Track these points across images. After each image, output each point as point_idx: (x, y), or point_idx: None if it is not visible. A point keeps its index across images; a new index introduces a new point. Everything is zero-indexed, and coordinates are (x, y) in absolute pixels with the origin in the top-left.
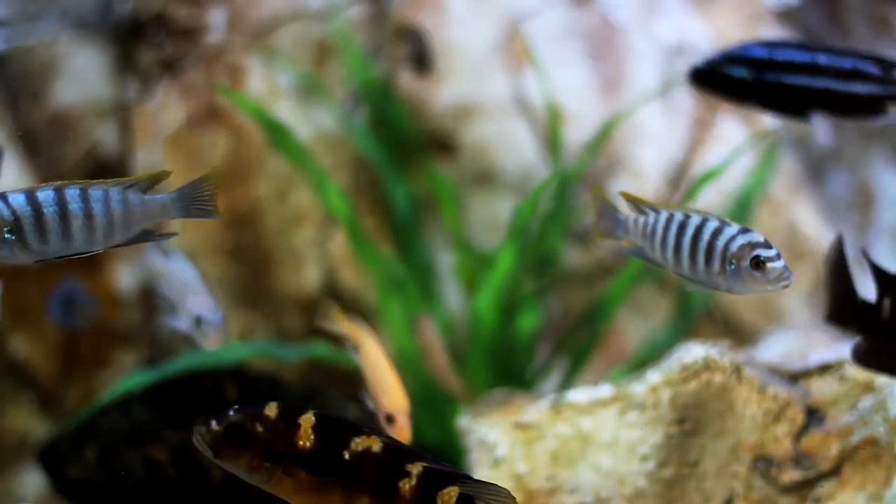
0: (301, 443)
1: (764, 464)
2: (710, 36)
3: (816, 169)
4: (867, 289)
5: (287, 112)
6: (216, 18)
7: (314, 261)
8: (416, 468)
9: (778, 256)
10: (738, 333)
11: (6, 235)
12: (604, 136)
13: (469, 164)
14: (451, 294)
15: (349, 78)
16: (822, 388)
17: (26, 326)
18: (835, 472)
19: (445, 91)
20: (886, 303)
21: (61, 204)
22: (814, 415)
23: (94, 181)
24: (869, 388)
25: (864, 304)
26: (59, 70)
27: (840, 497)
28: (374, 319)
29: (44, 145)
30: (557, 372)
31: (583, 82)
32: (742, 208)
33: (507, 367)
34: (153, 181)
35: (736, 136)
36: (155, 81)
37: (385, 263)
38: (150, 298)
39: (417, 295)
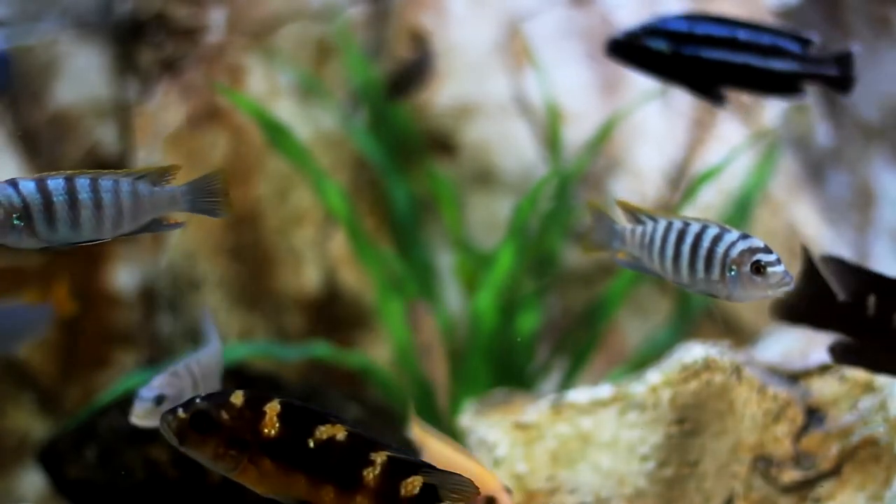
0: (266, 431)
1: (764, 464)
2: None
3: (816, 169)
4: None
5: (287, 112)
6: (216, 18)
7: (314, 261)
8: (380, 457)
9: (778, 261)
10: (738, 333)
11: (15, 222)
12: (603, 136)
13: (469, 164)
14: (451, 294)
15: (349, 78)
16: (822, 388)
17: None
18: (835, 472)
19: (445, 91)
20: (871, 301)
21: (71, 193)
22: (814, 415)
23: (105, 171)
24: (869, 388)
25: (845, 303)
26: (59, 70)
27: (840, 497)
28: (374, 319)
29: (44, 145)
30: (557, 372)
31: (583, 82)
32: (742, 208)
33: (507, 367)
34: (163, 173)
35: (735, 136)
36: (155, 81)
37: (385, 263)
38: (150, 298)
39: (417, 295)
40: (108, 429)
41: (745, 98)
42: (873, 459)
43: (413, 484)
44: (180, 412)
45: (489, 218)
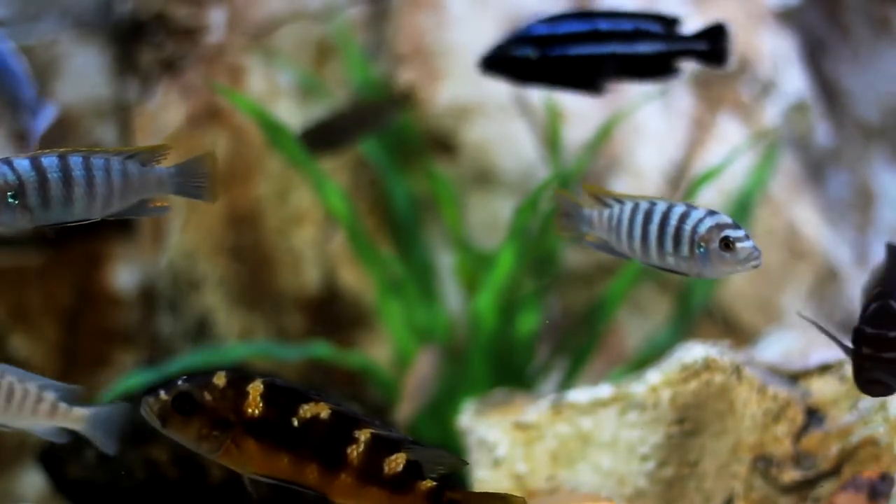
0: (250, 411)
1: (764, 464)
2: None
3: (816, 169)
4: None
5: (287, 112)
6: (216, 18)
7: (314, 261)
8: (363, 435)
9: (747, 237)
10: (738, 333)
11: (9, 200)
12: (604, 136)
13: (469, 164)
14: (451, 294)
15: (349, 78)
16: (822, 388)
17: (26, 326)
18: (835, 472)
19: (445, 91)
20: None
21: (65, 170)
22: (814, 415)
23: (97, 149)
24: None
25: None
26: (59, 70)
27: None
28: (374, 319)
29: (44, 145)
30: (557, 372)
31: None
32: (742, 208)
33: (507, 367)
34: (154, 154)
35: (736, 136)
36: (155, 81)
37: (385, 263)
38: (150, 298)
39: (417, 295)
40: None
41: (744, 97)
42: (873, 459)
43: (397, 461)
44: (162, 394)
45: (489, 218)
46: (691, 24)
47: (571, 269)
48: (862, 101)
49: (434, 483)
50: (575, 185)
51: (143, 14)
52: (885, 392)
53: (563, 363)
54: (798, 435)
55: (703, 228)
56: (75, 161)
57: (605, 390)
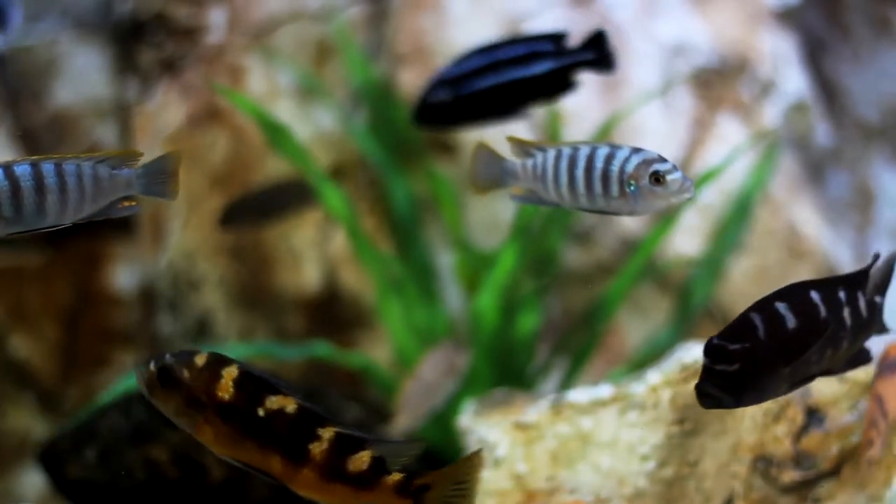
0: (221, 394)
1: (764, 464)
2: (710, 36)
3: (816, 169)
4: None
5: (287, 112)
6: (216, 18)
7: (314, 261)
8: (327, 433)
9: (675, 168)
10: None
11: None
12: (604, 136)
13: (469, 164)
14: (451, 294)
15: (349, 78)
16: (822, 388)
17: (26, 326)
18: (835, 472)
19: None
20: None
21: (38, 178)
22: (814, 415)
23: (68, 154)
24: (869, 388)
25: None
26: (59, 70)
27: (840, 497)
28: (374, 319)
29: (44, 145)
30: (557, 372)
31: (583, 82)
32: (742, 208)
33: (507, 367)
34: (124, 158)
35: (736, 136)
36: (155, 81)
37: (385, 263)
38: (150, 298)
39: (417, 295)
40: (108, 429)
41: (744, 97)
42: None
43: (362, 459)
44: (151, 365)
45: (489, 218)
46: (692, 24)
47: (571, 269)
48: (862, 101)
49: (401, 475)
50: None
51: (143, 14)
52: (713, 405)
53: (563, 363)
54: (798, 435)
55: (630, 166)
56: (48, 168)
57: (605, 390)
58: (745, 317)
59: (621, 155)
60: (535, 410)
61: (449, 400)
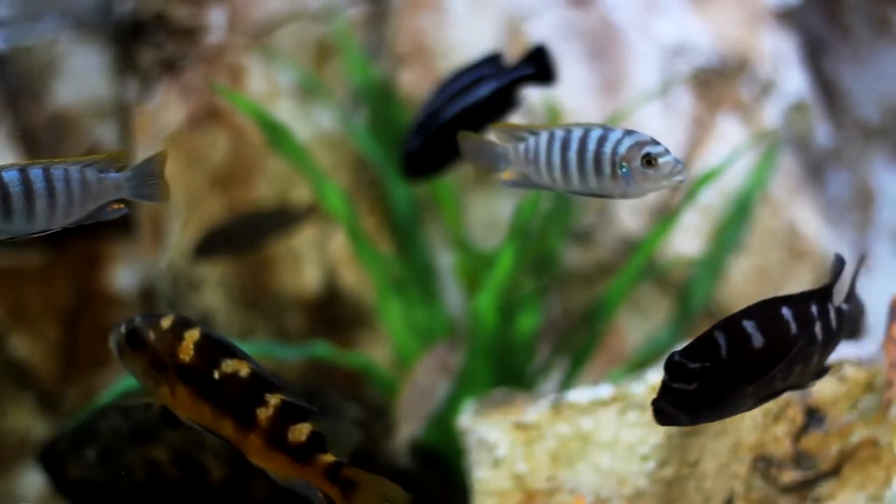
0: (181, 357)
1: (764, 464)
2: (710, 36)
3: (816, 169)
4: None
5: (287, 112)
6: (216, 18)
7: (314, 261)
8: (274, 399)
9: (667, 151)
10: None
11: None
12: None
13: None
14: (451, 294)
15: (349, 78)
16: (822, 388)
17: (26, 326)
18: (835, 472)
19: None
20: None
21: (26, 184)
22: (814, 415)
23: (56, 160)
24: (869, 388)
25: None
26: (59, 70)
27: (840, 497)
28: (374, 319)
29: (44, 145)
30: (557, 372)
31: (583, 82)
32: (742, 208)
33: (507, 367)
34: (111, 161)
35: (736, 136)
36: (155, 81)
37: (385, 263)
38: (150, 298)
39: (417, 295)
40: (108, 429)
41: (744, 97)
42: (873, 459)
43: (301, 430)
44: (122, 326)
45: (489, 218)
46: (692, 24)
47: (571, 269)
48: (862, 101)
49: (334, 459)
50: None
51: (143, 14)
52: (669, 423)
53: (563, 363)
54: (798, 435)
55: (622, 149)
56: (35, 174)
57: (605, 390)
58: (708, 334)
59: (614, 137)
60: (535, 410)
61: (446, 400)
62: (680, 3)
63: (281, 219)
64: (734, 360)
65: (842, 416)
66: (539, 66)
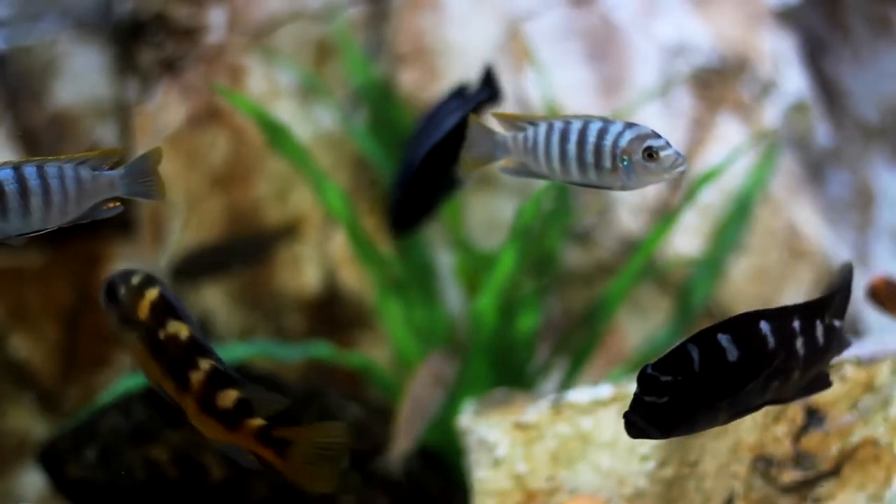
0: (139, 314)
1: (764, 464)
2: (710, 36)
3: (816, 169)
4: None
5: (287, 112)
6: (216, 18)
7: (314, 261)
8: (206, 364)
9: (668, 145)
10: None
11: None
12: None
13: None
14: (451, 294)
15: (349, 78)
16: None
17: (26, 326)
18: (835, 472)
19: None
20: None
21: (21, 182)
22: (814, 415)
23: (49, 157)
24: (869, 388)
25: None
26: (59, 70)
27: (840, 497)
28: (374, 319)
29: (44, 145)
30: (557, 372)
31: (583, 82)
32: (742, 208)
33: (507, 367)
34: (105, 158)
35: (736, 136)
36: (155, 81)
37: (385, 263)
38: None
39: (417, 295)
40: (108, 429)
41: (744, 97)
42: (873, 459)
43: (229, 396)
44: (108, 279)
45: (489, 218)
46: (692, 24)
47: (571, 269)
48: (862, 101)
49: (263, 422)
50: (576, 188)
51: (143, 14)
52: (639, 436)
53: (563, 363)
54: (798, 435)
55: (623, 141)
56: (30, 171)
57: (605, 390)
58: (681, 348)
59: (614, 129)
60: (535, 410)
61: (440, 410)
62: (680, 3)
63: (258, 243)
64: (707, 375)
65: (842, 416)
66: (491, 89)
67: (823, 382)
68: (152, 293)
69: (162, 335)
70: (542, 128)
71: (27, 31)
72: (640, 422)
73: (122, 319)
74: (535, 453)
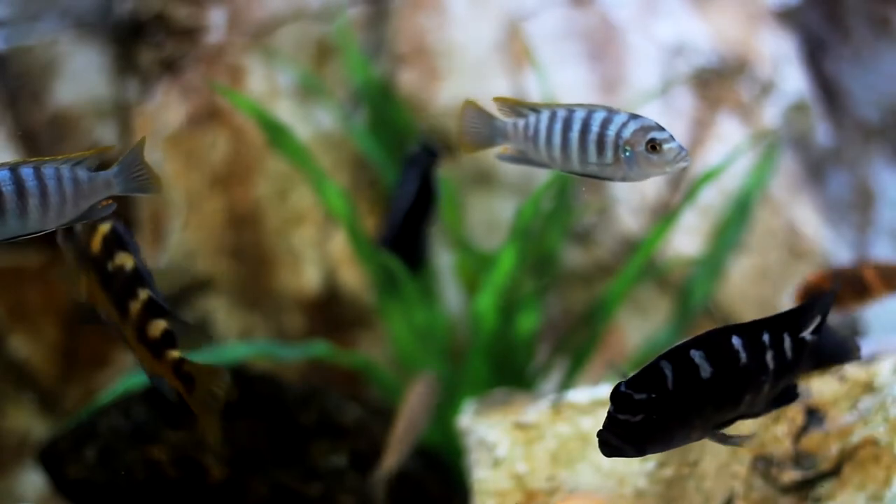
0: (91, 247)
1: (764, 464)
2: (710, 36)
3: (816, 169)
4: None
5: (287, 112)
6: (216, 18)
7: (314, 261)
8: (143, 294)
9: (672, 138)
10: None
11: None
12: None
13: (469, 164)
14: (451, 294)
15: (349, 78)
16: (822, 388)
17: (26, 326)
18: (835, 472)
19: (445, 91)
20: None
21: (18, 183)
22: (814, 415)
23: (45, 158)
24: (869, 388)
25: None
26: (59, 70)
27: (840, 497)
28: (374, 319)
29: (44, 145)
30: (557, 372)
31: (583, 82)
32: (742, 208)
33: (507, 367)
34: (99, 157)
35: (736, 136)
36: (155, 81)
37: (384, 263)
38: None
39: (417, 295)
40: (108, 429)
41: (744, 97)
42: (873, 459)
43: (158, 326)
44: None
45: (489, 218)
46: (692, 24)
47: (571, 269)
48: (862, 101)
49: (179, 355)
50: (575, 186)
51: (143, 14)
52: (614, 454)
53: (563, 363)
54: (798, 435)
55: (627, 132)
56: (27, 173)
57: (605, 390)
58: (655, 365)
59: (619, 120)
60: (535, 410)
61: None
62: (680, 4)
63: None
64: (681, 392)
65: (842, 416)
66: (431, 155)
67: (791, 395)
68: (103, 229)
69: (110, 266)
70: (545, 115)
71: (27, 31)
72: (614, 440)
73: (77, 256)
74: (535, 453)
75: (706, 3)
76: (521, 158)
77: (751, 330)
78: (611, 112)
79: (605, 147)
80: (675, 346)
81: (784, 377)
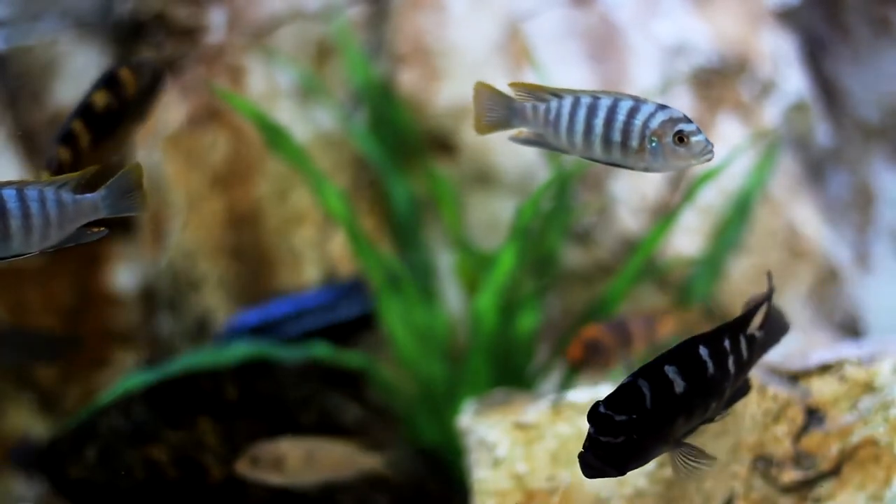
0: None
1: (764, 464)
2: (710, 36)
3: (816, 169)
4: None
5: (287, 112)
6: (216, 18)
7: (314, 261)
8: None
9: (699, 130)
10: None
11: None
12: None
13: (469, 164)
14: (451, 294)
15: (349, 78)
16: (822, 388)
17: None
18: (835, 472)
19: (445, 91)
20: None
21: (0, 204)
22: (814, 415)
23: (28, 181)
24: (869, 388)
25: None
26: (59, 70)
27: (840, 497)
28: (374, 319)
29: (44, 145)
30: (557, 372)
31: (582, 82)
32: (742, 208)
33: (507, 367)
34: (83, 179)
35: (736, 135)
36: None
37: (384, 263)
38: (150, 298)
39: (417, 295)
40: (108, 429)
41: (744, 97)
42: (873, 459)
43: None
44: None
45: (489, 218)
46: (692, 24)
47: (571, 268)
48: (862, 101)
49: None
50: (575, 186)
51: (143, 14)
52: (596, 475)
53: (563, 363)
54: (798, 435)
55: (655, 123)
56: (9, 194)
57: (605, 390)
58: (633, 384)
59: (647, 109)
60: (535, 410)
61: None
62: (680, 3)
63: (46, 344)
64: (659, 409)
65: (842, 416)
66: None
67: (745, 389)
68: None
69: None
70: (568, 100)
71: (27, 31)
72: (595, 462)
73: None
74: (535, 453)
75: (706, 3)
76: (536, 142)
77: (714, 338)
78: (638, 101)
79: (630, 136)
80: (650, 363)
81: (741, 376)
